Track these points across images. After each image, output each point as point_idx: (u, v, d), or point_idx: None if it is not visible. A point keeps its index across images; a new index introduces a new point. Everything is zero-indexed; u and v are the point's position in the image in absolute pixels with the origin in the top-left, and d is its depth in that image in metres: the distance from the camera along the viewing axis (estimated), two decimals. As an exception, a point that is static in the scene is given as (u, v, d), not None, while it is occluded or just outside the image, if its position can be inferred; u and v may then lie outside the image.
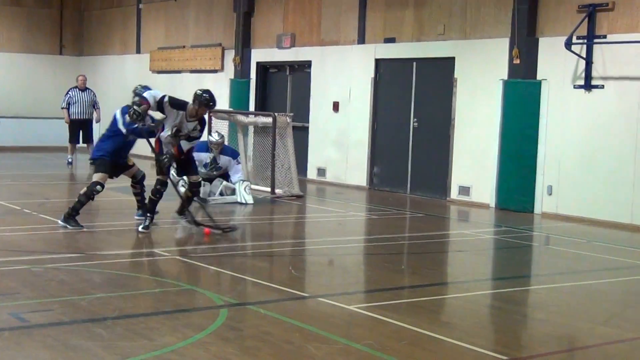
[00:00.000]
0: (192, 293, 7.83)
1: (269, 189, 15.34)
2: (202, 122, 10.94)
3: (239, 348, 6.08)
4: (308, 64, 18.90)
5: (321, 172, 18.47)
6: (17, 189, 15.02)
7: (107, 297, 7.48)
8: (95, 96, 20.37)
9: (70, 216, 10.96)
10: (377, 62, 17.27)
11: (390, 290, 8.38)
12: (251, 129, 16.89)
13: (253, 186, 14.91)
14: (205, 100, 10.74)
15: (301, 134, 18.29)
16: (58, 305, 7.13)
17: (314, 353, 6.01)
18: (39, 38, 26.27)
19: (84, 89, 20.20)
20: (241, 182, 14.37)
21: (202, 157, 14.16)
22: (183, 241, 11.10)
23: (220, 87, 20.78)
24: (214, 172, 14.54)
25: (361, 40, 17.57)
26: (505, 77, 14.78)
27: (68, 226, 10.87)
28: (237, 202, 14.16)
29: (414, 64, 16.59)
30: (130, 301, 7.41)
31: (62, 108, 20.19)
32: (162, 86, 22.96)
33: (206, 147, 14.30)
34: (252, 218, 13.44)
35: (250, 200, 14.22)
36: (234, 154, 14.96)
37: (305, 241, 11.85)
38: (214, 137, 14.38)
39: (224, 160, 14.56)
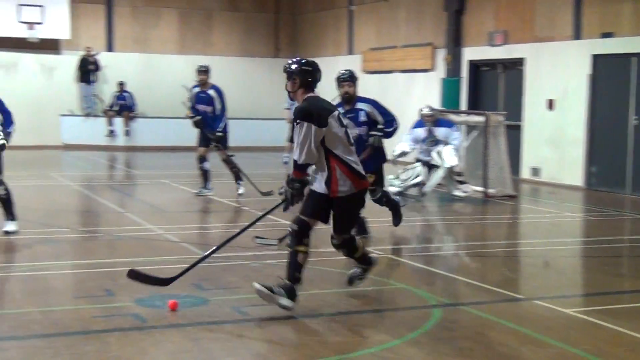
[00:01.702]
0: (405, 292, 7.88)
1: (481, 189, 15.16)
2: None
3: (453, 348, 6.06)
4: (521, 61, 18.55)
5: (535, 171, 18.08)
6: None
7: (322, 293, 7.66)
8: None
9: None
10: (594, 57, 16.69)
11: (609, 295, 8.09)
12: (463, 128, 16.79)
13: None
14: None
15: (514, 133, 17.96)
16: (276, 301, 7.36)
17: (530, 356, 5.90)
18: (255, 41, 27.25)
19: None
20: (445, 145, 14.43)
21: (418, 133, 14.52)
22: (396, 240, 11.17)
23: (431, 87, 20.80)
24: (433, 146, 14.55)
25: (577, 35, 17.04)
26: None
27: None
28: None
29: (634, 59, 15.91)
30: (345, 298, 7.54)
31: (286, 108, 20.80)
32: (374, 86, 23.27)
33: (422, 122, 14.64)
34: (464, 218, 13.35)
35: (454, 162, 14.30)
36: (450, 125, 14.88)
37: (519, 242, 11.64)
38: (425, 110, 14.56)
39: (440, 132, 14.57)
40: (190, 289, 7.60)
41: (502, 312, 7.15)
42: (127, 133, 24.85)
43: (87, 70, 24.78)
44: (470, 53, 19.96)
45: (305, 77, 7.14)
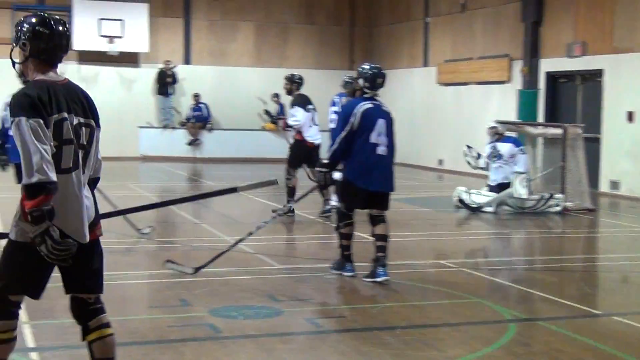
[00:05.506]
0: (480, 306, 7.78)
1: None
2: None
3: (529, 364, 5.96)
4: (600, 72, 18.24)
5: (614, 184, 17.73)
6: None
7: (396, 306, 7.61)
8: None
9: None
10: (676, 68, 16.33)
11: (691, 311, 7.88)
12: (540, 140, 16.59)
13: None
14: None
15: (593, 146, 17.65)
16: (349, 312, 7.36)
17: (609, 373, 5.78)
18: (330, 54, 27.32)
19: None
20: (518, 174, 14.41)
21: (487, 149, 14.91)
22: (471, 253, 11.06)
23: (508, 99, 20.57)
24: (496, 161, 14.76)
25: (658, 46, 16.71)
26: None
27: None
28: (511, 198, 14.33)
29: None
30: (419, 311, 7.49)
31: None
32: (449, 99, 23.15)
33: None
34: (541, 232, 13.16)
35: (523, 194, 14.25)
36: (517, 143, 14.98)
37: (597, 256, 11.41)
38: (491, 123, 15.00)
39: (505, 148, 14.70)
40: (264, 299, 7.63)
41: (579, 328, 7.01)
42: (193, 142, 25.21)
43: (165, 83, 25.18)
44: (548, 64, 19.69)
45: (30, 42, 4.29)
